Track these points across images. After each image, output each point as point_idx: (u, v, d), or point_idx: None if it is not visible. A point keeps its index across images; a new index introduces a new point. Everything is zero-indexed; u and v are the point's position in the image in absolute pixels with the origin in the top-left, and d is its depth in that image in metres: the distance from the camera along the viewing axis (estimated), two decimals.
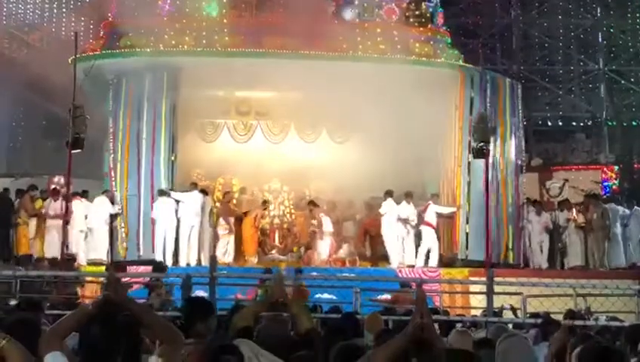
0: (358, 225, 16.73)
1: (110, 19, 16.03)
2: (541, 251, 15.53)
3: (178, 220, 14.89)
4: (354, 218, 16.83)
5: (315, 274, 12.83)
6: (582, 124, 24.43)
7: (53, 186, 15.48)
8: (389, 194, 15.56)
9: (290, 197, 18.38)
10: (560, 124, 24.44)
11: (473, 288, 11.41)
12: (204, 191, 15.68)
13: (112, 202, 14.84)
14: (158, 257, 14.56)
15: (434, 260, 15.14)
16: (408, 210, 15.45)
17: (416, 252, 15.32)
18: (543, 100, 24.14)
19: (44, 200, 14.63)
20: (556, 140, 23.44)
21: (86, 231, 14.59)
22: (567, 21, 24.72)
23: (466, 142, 14.98)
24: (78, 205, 14.46)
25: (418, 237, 15.48)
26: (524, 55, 24.28)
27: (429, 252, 15.26)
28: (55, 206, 14.49)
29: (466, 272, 14.36)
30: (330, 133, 17.38)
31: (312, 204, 16.30)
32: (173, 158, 14.97)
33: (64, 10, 20.81)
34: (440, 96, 14.92)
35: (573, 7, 24.80)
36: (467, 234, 14.94)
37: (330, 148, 17.45)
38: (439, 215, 15.39)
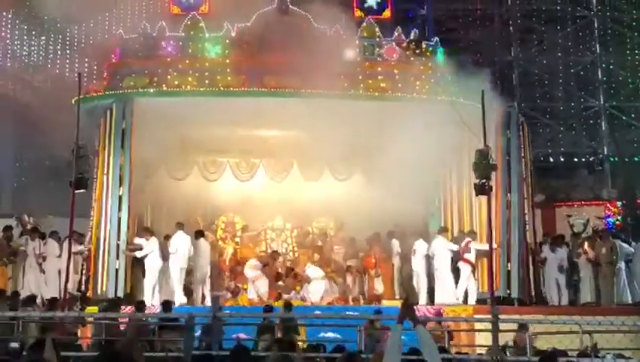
0: (361, 262, 16.71)
1: (113, 60, 16.22)
2: (558, 288, 15.48)
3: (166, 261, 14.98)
4: (357, 256, 16.81)
5: (318, 312, 12.78)
6: (584, 160, 24.50)
7: (31, 225, 15.52)
8: (420, 234, 15.99)
9: (294, 235, 18.39)
10: (562, 160, 24.51)
11: (479, 326, 11.33)
12: (199, 233, 15.64)
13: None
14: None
15: (472, 297, 15.19)
16: (442, 244, 15.63)
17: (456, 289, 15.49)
18: (544, 137, 24.25)
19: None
20: (558, 176, 23.48)
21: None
22: (566, 58, 24.98)
23: (504, 182, 15.15)
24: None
25: (457, 273, 15.59)
26: (524, 92, 24.48)
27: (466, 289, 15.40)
28: (34, 245, 14.59)
29: (471, 310, 14.28)
30: (332, 171, 17.45)
31: (293, 274, 16.30)
32: (120, 193, 14.77)
33: (68, 51, 21.08)
34: (447, 133, 15.07)
35: (573, 44, 25.09)
36: (509, 272, 14.94)
37: (332, 186, 17.50)
38: (478, 252, 15.47)
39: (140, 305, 12.27)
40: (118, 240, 14.59)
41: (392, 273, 16.43)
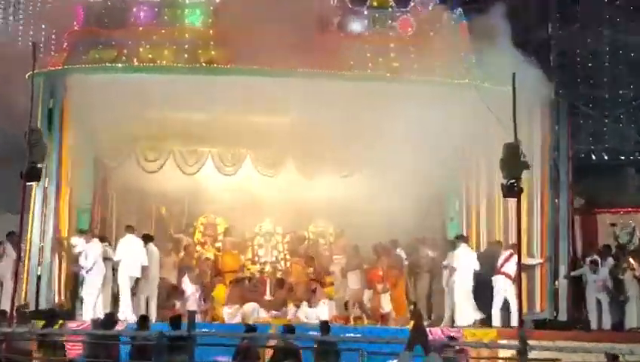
0: (365, 275, 16.72)
1: (76, 28, 16.18)
2: (600, 310, 15.56)
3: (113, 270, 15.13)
4: (360, 267, 16.80)
5: (313, 333, 12.79)
6: (632, 158, 24.48)
7: None
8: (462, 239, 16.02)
9: (285, 240, 18.40)
10: (605, 157, 24.47)
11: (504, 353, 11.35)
12: (148, 237, 15.71)
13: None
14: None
15: (515, 319, 15.19)
16: (468, 255, 15.78)
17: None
18: (585, 130, 24.20)
19: None
20: (601, 177, 23.45)
21: None
22: (614, 37, 24.92)
23: (551, 184, 15.30)
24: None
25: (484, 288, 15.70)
26: (562, 77, 24.43)
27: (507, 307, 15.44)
28: None
29: (495, 333, 14.31)
30: (333, 166, 17.45)
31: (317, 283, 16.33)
32: (46, 185, 14.78)
33: (22, 16, 21.00)
34: (472, 123, 15.10)
35: (622, 20, 25.03)
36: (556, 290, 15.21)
37: (333, 184, 17.50)
38: (523, 266, 15.52)
39: (143, 321, 12.27)
40: (42, 241, 14.65)
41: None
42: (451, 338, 12.72)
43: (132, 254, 15.19)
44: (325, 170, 17.41)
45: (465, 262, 15.62)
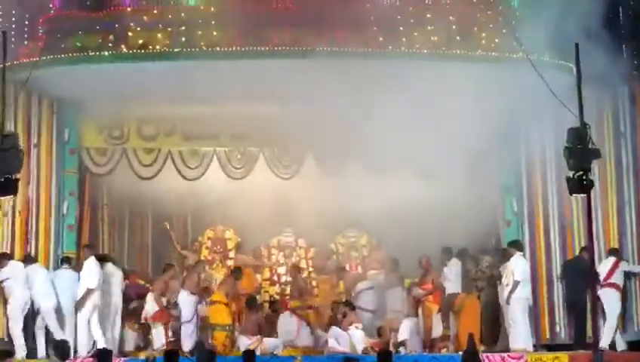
0: (408, 294, 16.75)
1: (52, 11, 16.36)
2: None
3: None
4: (400, 283, 16.81)
5: None
6: None
7: None
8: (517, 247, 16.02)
9: (310, 256, 18.42)
10: None
11: None
12: (104, 258, 15.85)
13: None
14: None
15: (607, 340, 15.27)
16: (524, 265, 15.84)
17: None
18: None
19: None
20: None
21: None
22: None
23: None
24: None
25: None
26: (636, 45, 24.23)
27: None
28: None
29: (566, 358, 14.28)
30: (364, 163, 17.47)
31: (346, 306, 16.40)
32: None
33: None
34: (531, 107, 15.05)
35: None
36: None
37: (364, 185, 17.50)
38: (631, 275, 15.73)
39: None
40: None
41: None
42: None
43: (89, 280, 15.30)
44: (353, 168, 17.43)
45: (523, 275, 15.63)
